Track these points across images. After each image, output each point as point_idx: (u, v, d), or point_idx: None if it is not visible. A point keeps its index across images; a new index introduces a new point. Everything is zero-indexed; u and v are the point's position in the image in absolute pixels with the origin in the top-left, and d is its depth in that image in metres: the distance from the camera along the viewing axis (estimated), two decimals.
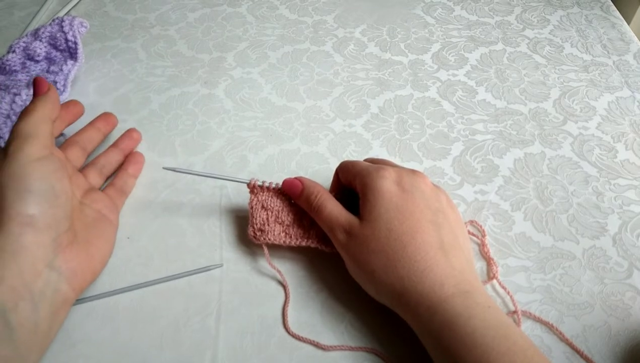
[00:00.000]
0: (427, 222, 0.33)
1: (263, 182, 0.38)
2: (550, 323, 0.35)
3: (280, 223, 0.38)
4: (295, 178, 0.38)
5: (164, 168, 0.40)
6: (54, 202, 0.33)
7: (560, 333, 0.34)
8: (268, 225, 0.38)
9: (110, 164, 0.43)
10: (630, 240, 0.39)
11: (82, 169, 0.42)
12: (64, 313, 0.33)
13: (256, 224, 0.38)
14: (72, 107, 0.43)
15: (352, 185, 0.37)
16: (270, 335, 0.35)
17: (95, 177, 0.42)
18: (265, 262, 0.38)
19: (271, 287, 0.37)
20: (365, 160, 0.40)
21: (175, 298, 0.37)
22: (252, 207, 0.38)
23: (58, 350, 0.34)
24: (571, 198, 0.42)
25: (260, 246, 0.38)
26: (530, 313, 0.35)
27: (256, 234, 0.38)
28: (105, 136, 0.46)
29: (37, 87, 0.37)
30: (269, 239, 0.37)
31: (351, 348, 0.34)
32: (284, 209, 0.38)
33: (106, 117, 0.46)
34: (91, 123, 0.45)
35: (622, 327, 0.35)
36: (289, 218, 0.38)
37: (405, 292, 0.32)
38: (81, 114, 0.44)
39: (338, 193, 0.39)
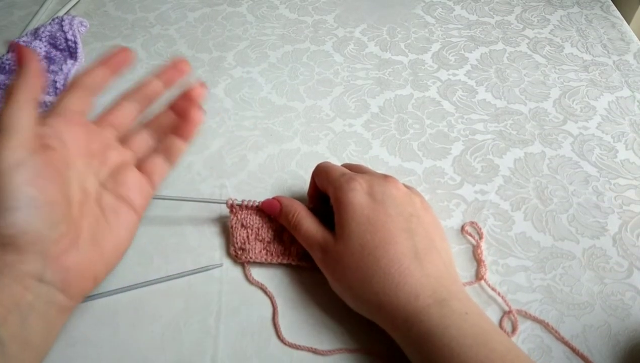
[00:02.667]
0: (399, 231, 0.33)
1: (242, 200, 0.39)
2: (545, 321, 0.35)
3: (260, 241, 0.38)
4: (274, 198, 0.38)
5: None
6: (37, 215, 0.28)
7: (556, 331, 0.34)
8: (249, 243, 0.38)
9: (161, 127, 0.38)
10: (630, 240, 0.39)
11: (130, 132, 0.37)
12: (61, 322, 0.31)
13: (237, 243, 0.38)
14: (117, 56, 0.35)
15: (326, 193, 0.37)
16: (270, 335, 0.35)
17: (141, 144, 0.37)
18: (265, 263, 0.38)
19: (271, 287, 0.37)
20: (342, 165, 0.40)
21: (175, 298, 0.37)
22: (232, 227, 0.39)
23: (57, 350, 0.34)
24: (571, 198, 0.42)
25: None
26: (525, 312, 0.35)
27: (237, 253, 0.38)
28: (170, 88, 0.38)
29: (18, 58, 0.30)
30: (251, 258, 0.38)
31: (350, 351, 0.34)
32: (264, 226, 0.39)
33: (177, 65, 0.38)
34: (157, 74, 0.37)
35: (622, 326, 0.35)
36: (269, 235, 0.38)
37: (382, 306, 0.31)
38: (129, 60, 0.36)
39: (316, 200, 0.39)
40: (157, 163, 0.37)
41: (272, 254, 0.38)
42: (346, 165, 0.40)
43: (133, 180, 0.35)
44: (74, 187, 0.32)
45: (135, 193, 0.35)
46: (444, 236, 0.36)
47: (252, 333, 0.35)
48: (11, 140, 0.28)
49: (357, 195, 0.34)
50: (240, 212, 0.39)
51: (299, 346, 0.34)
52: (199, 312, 0.36)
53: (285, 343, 0.34)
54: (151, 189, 0.36)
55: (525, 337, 0.34)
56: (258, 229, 0.38)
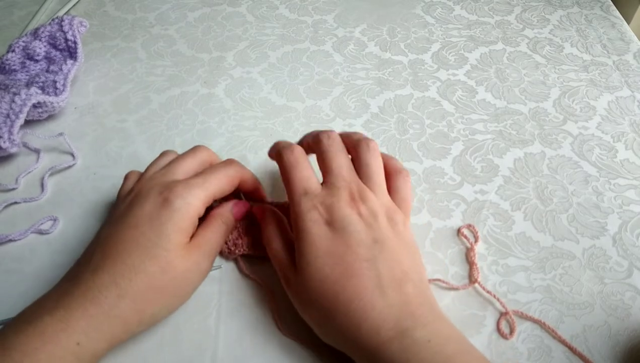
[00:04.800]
0: (360, 262, 0.31)
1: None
2: (542, 321, 0.35)
3: (252, 235, 0.38)
4: (250, 204, 0.38)
5: None
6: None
7: (553, 331, 0.34)
8: (241, 238, 0.38)
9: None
10: (630, 239, 0.40)
11: None
12: None
13: (229, 241, 0.38)
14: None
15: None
16: (270, 335, 0.35)
17: None
18: (265, 262, 0.38)
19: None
20: (306, 137, 0.38)
21: None
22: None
23: None
24: (571, 198, 0.42)
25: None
26: (522, 313, 0.35)
27: (230, 249, 0.38)
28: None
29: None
30: (245, 250, 0.38)
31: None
32: (253, 222, 0.39)
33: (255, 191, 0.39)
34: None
35: (622, 326, 0.35)
36: (258, 229, 0.38)
37: (345, 342, 0.31)
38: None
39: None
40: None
41: (261, 247, 0.38)
42: (313, 138, 0.37)
43: None
44: None
45: None
46: (415, 255, 0.34)
47: (252, 333, 0.35)
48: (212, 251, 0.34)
49: (315, 226, 0.32)
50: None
51: (298, 337, 0.34)
52: (199, 312, 0.36)
53: (284, 334, 0.34)
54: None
55: (525, 337, 0.34)
56: (247, 225, 0.38)
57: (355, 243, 0.31)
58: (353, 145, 0.37)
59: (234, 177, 0.36)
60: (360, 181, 0.35)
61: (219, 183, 0.35)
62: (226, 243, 0.38)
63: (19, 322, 0.28)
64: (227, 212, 0.36)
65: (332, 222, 0.32)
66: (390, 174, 0.37)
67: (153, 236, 0.31)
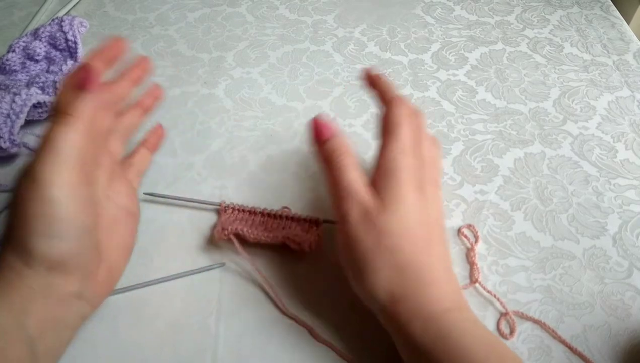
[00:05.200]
0: (437, 236, 0.32)
1: (235, 204, 0.40)
2: (542, 322, 0.35)
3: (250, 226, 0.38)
4: (331, 125, 0.34)
5: (144, 193, 0.41)
6: (85, 241, 0.30)
7: (553, 331, 0.34)
8: (235, 225, 0.38)
9: (132, 125, 0.38)
10: (630, 239, 0.39)
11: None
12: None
13: (224, 224, 0.38)
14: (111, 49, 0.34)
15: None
16: (270, 336, 0.35)
17: (118, 145, 0.37)
18: (264, 264, 0.38)
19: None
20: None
21: (175, 298, 0.37)
22: (220, 216, 0.39)
23: None
24: (571, 198, 0.42)
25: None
26: (522, 313, 0.35)
27: (224, 230, 0.37)
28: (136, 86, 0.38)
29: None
30: (236, 228, 0.37)
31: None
32: (254, 225, 0.39)
33: (140, 64, 0.37)
34: (123, 75, 0.36)
35: (622, 327, 0.35)
36: (257, 230, 0.38)
37: (402, 301, 0.30)
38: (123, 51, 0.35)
39: None
40: (143, 153, 0.40)
41: (256, 232, 0.38)
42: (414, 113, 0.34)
43: (122, 186, 0.36)
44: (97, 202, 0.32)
45: (127, 199, 0.35)
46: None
47: (252, 333, 0.35)
48: (64, 165, 0.28)
49: (409, 172, 0.32)
50: (232, 213, 0.40)
51: (299, 319, 0.35)
52: (199, 312, 0.36)
53: (286, 314, 0.35)
54: (134, 190, 0.38)
55: (525, 337, 0.34)
56: (247, 228, 0.38)
57: (435, 220, 0.33)
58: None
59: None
60: None
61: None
62: (219, 225, 0.38)
63: None
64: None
65: (422, 186, 0.32)
66: None
67: None
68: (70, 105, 0.29)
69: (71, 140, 0.28)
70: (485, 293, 0.36)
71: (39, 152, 0.28)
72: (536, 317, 0.35)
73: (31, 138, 0.47)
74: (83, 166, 0.29)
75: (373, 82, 0.37)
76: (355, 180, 0.32)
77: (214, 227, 0.39)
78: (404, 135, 0.33)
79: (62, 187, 0.28)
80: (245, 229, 0.37)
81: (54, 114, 0.29)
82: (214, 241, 0.39)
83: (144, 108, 0.40)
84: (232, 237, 0.37)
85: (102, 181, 0.33)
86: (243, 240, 0.38)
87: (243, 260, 0.38)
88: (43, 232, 0.28)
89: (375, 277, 0.30)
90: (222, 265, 0.38)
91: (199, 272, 0.38)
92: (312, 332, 0.35)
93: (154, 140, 0.42)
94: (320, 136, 0.33)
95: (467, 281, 0.37)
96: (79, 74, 0.30)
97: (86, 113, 0.29)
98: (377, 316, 0.32)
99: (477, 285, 0.37)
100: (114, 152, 0.36)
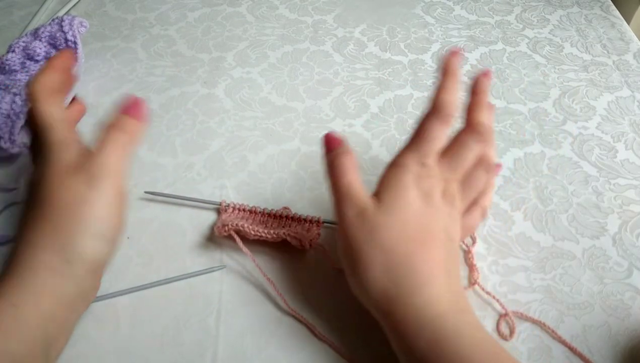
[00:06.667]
0: (440, 241, 0.32)
1: (236, 204, 0.40)
2: (542, 322, 0.35)
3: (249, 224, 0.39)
4: (341, 138, 0.35)
5: (145, 192, 0.42)
6: (117, 240, 0.32)
7: (553, 331, 0.34)
8: (236, 222, 0.38)
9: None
10: (630, 240, 0.40)
11: None
12: None
13: (225, 220, 0.38)
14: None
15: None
16: (270, 336, 0.35)
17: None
18: (265, 262, 0.38)
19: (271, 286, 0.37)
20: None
21: (175, 299, 0.37)
22: (220, 215, 0.40)
23: None
24: (571, 198, 0.42)
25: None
26: (521, 314, 0.35)
27: (224, 226, 0.38)
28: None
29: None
30: (237, 224, 0.37)
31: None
32: (254, 223, 0.39)
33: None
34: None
35: (622, 326, 0.35)
36: (257, 227, 0.38)
37: (396, 300, 0.30)
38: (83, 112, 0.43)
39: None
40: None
41: (257, 228, 0.38)
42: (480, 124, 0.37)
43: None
44: None
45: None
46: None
47: (252, 333, 0.35)
48: (116, 176, 0.32)
49: (414, 181, 0.32)
50: (232, 212, 0.40)
51: (299, 316, 0.35)
52: (199, 312, 0.36)
53: (287, 311, 0.35)
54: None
55: (525, 337, 0.35)
56: (248, 227, 0.38)
57: (440, 227, 0.32)
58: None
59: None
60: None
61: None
62: (220, 222, 0.38)
63: None
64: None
65: (429, 194, 0.32)
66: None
67: None
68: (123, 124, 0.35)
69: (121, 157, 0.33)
70: (484, 294, 0.36)
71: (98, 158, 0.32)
72: (536, 317, 0.35)
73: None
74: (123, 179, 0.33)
75: (478, 85, 0.38)
76: (354, 181, 0.33)
77: (215, 224, 0.39)
78: (426, 147, 0.34)
79: (109, 193, 0.31)
80: (246, 226, 0.37)
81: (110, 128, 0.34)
82: (214, 239, 0.39)
83: None
84: (232, 232, 0.37)
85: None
86: (243, 239, 0.38)
87: (243, 260, 0.38)
88: (83, 231, 0.30)
89: (368, 274, 0.31)
90: (223, 267, 0.38)
91: (202, 273, 0.38)
92: (312, 330, 0.35)
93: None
94: (330, 146, 0.35)
95: (466, 283, 0.37)
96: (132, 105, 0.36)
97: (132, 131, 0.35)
98: (374, 315, 0.32)
99: (476, 287, 0.37)
100: None
